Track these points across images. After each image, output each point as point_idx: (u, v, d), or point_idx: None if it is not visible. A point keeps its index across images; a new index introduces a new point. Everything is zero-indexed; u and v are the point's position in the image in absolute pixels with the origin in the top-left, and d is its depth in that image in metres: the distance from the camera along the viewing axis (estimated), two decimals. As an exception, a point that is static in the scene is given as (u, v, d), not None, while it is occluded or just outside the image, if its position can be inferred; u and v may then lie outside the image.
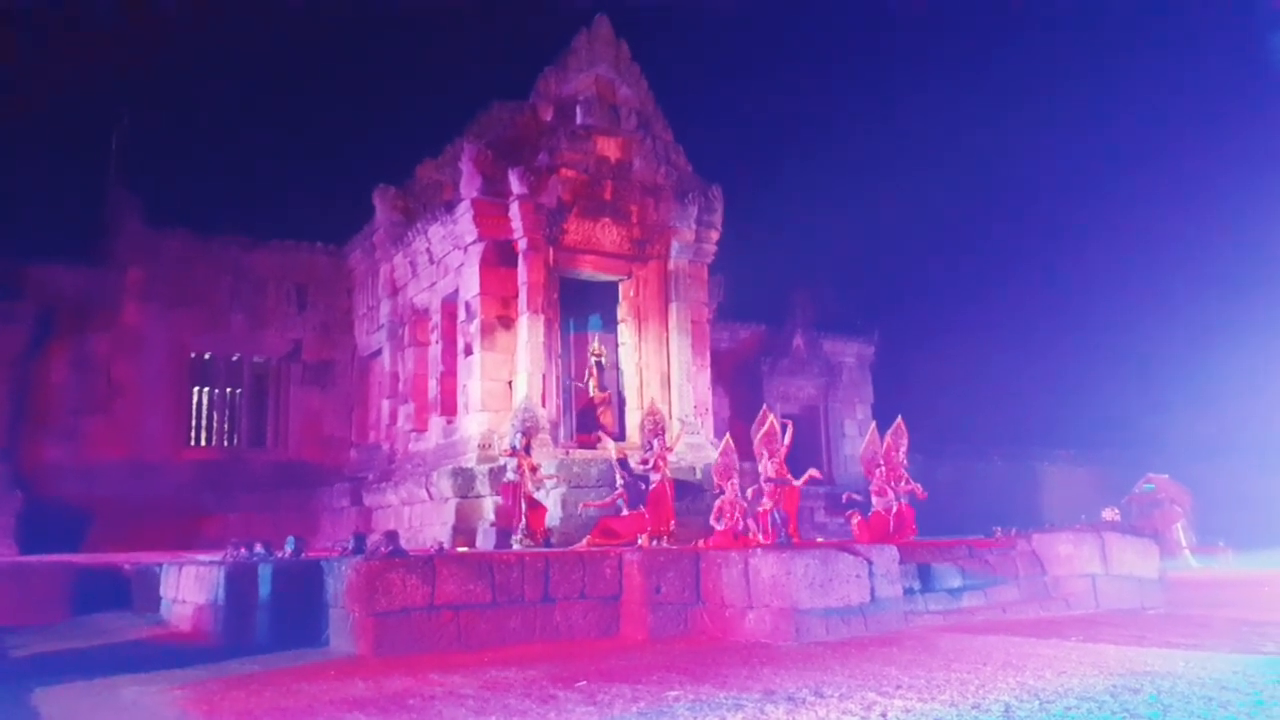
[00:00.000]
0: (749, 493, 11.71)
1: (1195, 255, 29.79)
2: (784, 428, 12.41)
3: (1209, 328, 27.87)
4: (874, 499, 12.15)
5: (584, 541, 11.18)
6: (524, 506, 11.36)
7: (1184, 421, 26.08)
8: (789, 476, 11.80)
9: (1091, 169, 34.07)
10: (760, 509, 11.48)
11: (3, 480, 15.31)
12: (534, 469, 11.73)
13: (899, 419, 12.80)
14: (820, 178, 29.07)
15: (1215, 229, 29.64)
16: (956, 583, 9.49)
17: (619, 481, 11.95)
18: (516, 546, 10.96)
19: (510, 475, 11.61)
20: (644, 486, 11.80)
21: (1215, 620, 8.82)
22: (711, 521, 11.14)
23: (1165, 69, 32.38)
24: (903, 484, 12.23)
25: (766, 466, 11.66)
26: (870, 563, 8.53)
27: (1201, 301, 28.56)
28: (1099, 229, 33.36)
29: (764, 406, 13.15)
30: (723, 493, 11.20)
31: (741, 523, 11.00)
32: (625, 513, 11.66)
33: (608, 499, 11.90)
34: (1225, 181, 29.83)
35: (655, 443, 11.91)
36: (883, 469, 12.18)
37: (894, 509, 11.97)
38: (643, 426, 12.57)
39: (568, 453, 13.65)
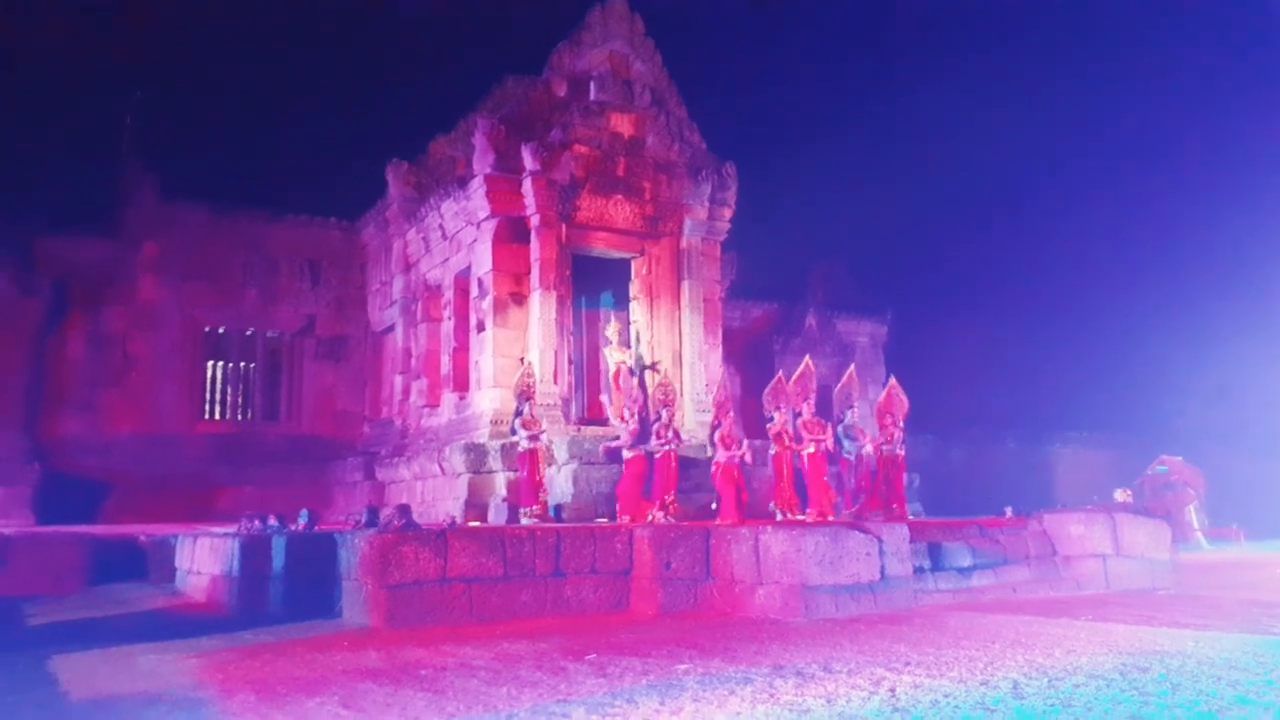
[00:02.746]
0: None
1: (1212, 240, 29.55)
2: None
3: (1225, 312, 27.65)
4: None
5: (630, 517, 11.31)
6: (542, 476, 11.50)
7: (1198, 405, 25.97)
8: (824, 423, 11.96)
9: (1109, 155, 33.80)
10: (804, 452, 11.71)
11: (20, 452, 15.45)
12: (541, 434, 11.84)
13: (892, 379, 12.76)
14: (835, 156, 28.90)
15: (1232, 215, 29.37)
16: (967, 562, 9.50)
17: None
18: (525, 521, 11.02)
19: (525, 444, 11.65)
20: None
21: (1226, 601, 8.81)
22: (718, 446, 11.30)
23: (1192, 50, 32.00)
24: (888, 445, 12.18)
25: (804, 410, 11.90)
26: (880, 541, 8.54)
27: (1217, 286, 28.33)
28: (1115, 214, 33.13)
29: (806, 355, 13.14)
30: (720, 425, 11.46)
31: (741, 454, 11.17)
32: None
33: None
34: (1244, 168, 29.54)
35: (664, 413, 11.96)
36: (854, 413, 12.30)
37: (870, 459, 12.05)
38: (653, 398, 12.60)
39: (579, 429, 13.69)
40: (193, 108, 24.28)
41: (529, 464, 11.64)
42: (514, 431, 11.93)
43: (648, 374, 14.94)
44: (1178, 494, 16.76)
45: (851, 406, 12.36)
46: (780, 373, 12.53)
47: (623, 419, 12.21)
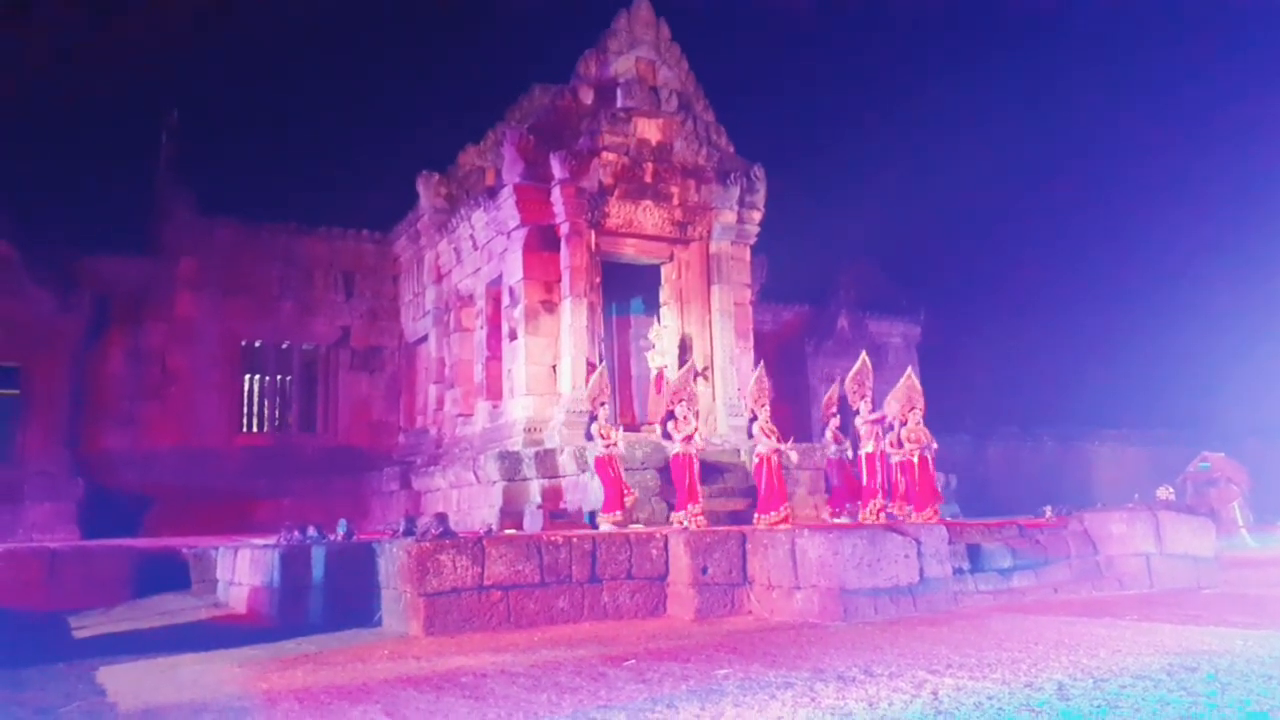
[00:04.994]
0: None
1: (1250, 231, 29.06)
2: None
3: (1267, 306, 27.17)
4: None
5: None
6: (624, 481, 11.41)
7: (1239, 399, 25.52)
8: (884, 417, 11.77)
9: (1143, 149, 33.36)
10: (863, 451, 11.59)
11: (64, 468, 15.73)
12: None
13: (908, 370, 12.47)
14: (865, 156, 28.77)
15: (1271, 205, 28.86)
16: (1007, 563, 9.39)
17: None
18: (605, 528, 10.73)
19: (601, 449, 11.47)
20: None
21: (1274, 599, 8.65)
22: (758, 437, 11.34)
23: (1222, 40, 31.54)
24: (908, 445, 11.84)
25: (862, 408, 11.68)
26: (919, 542, 8.47)
27: (1256, 278, 27.85)
28: (1152, 208, 32.68)
29: (863, 352, 12.99)
30: (756, 418, 11.55)
31: (776, 443, 11.28)
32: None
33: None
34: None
35: (690, 415, 11.90)
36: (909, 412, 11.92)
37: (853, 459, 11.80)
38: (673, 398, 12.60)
39: (612, 435, 13.68)
40: (226, 124, 24.66)
41: (607, 470, 11.42)
42: (589, 438, 11.84)
43: (669, 369, 14.91)
44: (1221, 490, 16.45)
45: (914, 409, 12.00)
46: (838, 381, 12.40)
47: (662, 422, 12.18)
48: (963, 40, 34.46)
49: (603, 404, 11.94)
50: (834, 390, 12.81)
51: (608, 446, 11.46)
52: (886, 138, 29.81)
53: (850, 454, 12.25)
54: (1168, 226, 31.61)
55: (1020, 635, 6.72)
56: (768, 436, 11.40)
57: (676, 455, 11.47)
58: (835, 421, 12.48)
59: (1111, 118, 34.19)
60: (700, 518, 11.05)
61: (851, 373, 12.03)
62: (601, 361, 13.59)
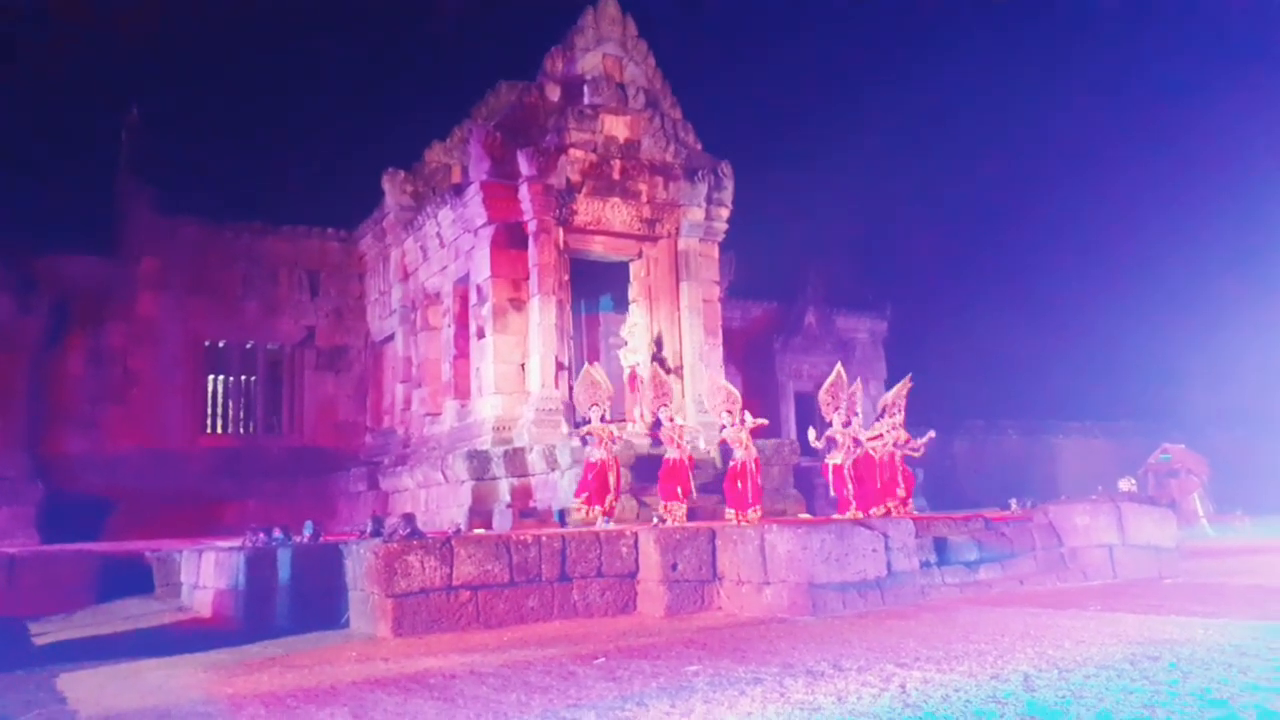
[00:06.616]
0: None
1: (1211, 225, 29.54)
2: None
3: (1225, 297, 27.67)
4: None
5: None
6: (615, 481, 11.31)
7: (1200, 391, 25.96)
8: (860, 429, 11.76)
9: (1103, 142, 33.79)
10: (832, 462, 11.55)
11: (23, 471, 15.44)
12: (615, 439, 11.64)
13: (908, 379, 12.45)
14: (832, 153, 28.86)
15: (1231, 199, 29.37)
16: (973, 555, 9.49)
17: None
18: (603, 525, 10.61)
19: (598, 455, 11.30)
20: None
21: (1233, 588, 8.80)
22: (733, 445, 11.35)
23: (1178, 40, 32.04)
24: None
25: (835, 420, 11.64)
26: (886, 537, 8.54)
27: (1217, 270, 28.34)
28: (1112, 200, 33.14)
29: (838, 362, 13.00)
30: (725, 428, 11.62)
31: (747, 452, 11.25)
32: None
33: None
34: (1242, 152, 29.53)
35: (662, 413, 11.90)
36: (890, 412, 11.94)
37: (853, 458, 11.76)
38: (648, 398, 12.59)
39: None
40: (188, 122, 24.28)
41: (590, 470, 11.32)
42: (584, 443, 11.72)
43: (640, 366, 14.92)
44: (1182, 481, 16.72)
45: (890, 414, 11.96)
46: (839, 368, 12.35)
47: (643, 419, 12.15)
48: (927, 37, 34.73)
49: (593, 406, 11.62)
50: (855, 389, 12.72)
51: (606, 448, 11.28)
52: (852, 135, 29.93)
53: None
54: (1128, 220, 32.08)
55: (987, 627, 6.79)
56: (734, 443, 11.36)
57: (668, 459, 11.42)
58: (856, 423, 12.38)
59: (1072, 114, 34.62)
60: (682, 515, 11.04)
61: (825, 384, 11.93)
62: (585, 362, 13.45)
